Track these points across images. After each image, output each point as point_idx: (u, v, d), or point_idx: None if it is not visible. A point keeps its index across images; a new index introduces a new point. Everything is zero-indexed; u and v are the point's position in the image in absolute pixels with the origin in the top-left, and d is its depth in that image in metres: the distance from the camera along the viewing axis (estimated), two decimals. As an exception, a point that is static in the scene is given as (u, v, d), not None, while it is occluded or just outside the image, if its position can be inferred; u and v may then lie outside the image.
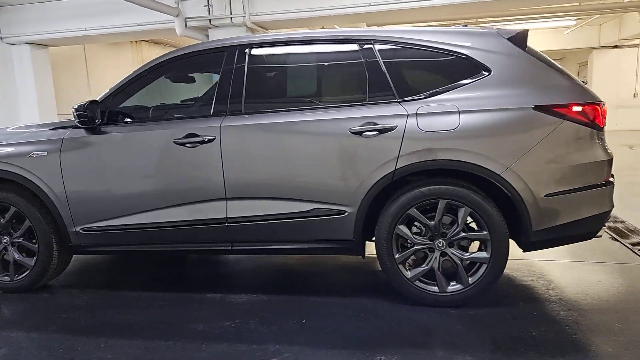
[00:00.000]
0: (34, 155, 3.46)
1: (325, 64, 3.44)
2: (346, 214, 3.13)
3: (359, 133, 3.05)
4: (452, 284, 3.09)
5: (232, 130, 3.22)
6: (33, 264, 3.57)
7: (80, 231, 3.49)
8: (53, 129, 3.56)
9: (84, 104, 3.30)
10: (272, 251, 3.36)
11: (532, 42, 3.18)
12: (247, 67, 3.32)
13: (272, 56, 3.46)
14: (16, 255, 3.61)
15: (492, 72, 3.01)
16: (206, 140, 3.23)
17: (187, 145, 3.26)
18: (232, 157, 3.22)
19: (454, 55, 3.09)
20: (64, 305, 3.40)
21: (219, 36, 8.55)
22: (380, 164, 3.03)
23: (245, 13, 8.15)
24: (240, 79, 3.31)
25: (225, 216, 3.28)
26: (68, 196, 3.45)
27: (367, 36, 3.22)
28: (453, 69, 3.10)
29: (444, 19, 10.95)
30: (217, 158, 3.23)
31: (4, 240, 3.62)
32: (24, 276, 3.61)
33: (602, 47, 15.92)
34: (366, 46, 3.20)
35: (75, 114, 3.30)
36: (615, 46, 15.80)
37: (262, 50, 3.40)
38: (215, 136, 3.23)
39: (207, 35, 8.75)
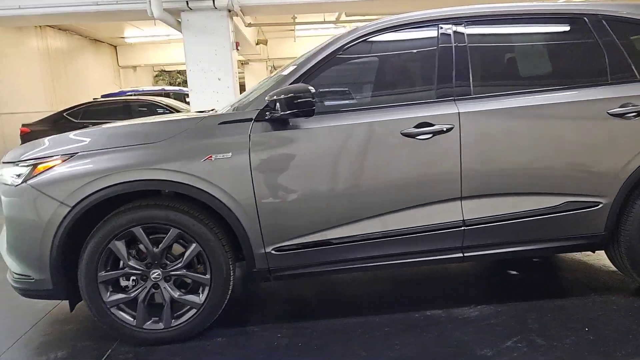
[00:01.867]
0: (213, 158, 2.60)
1: (556, 41, 3.10)
2: (600, 205, 2.85)
3: (620, 115, 2.78)
4: (698, 275, 2.97)
5: (474, 117, 2.75)
6: (202, 302, 2.69)
7: (272, 252, 2.71)
8: (224, 122, 2.71)
9: (306, 88, 2.54)
10: (509, 255, 2.93)
11: None
12: (470, 44, 2.86)
13: (498, 33, 3.04)
14: (176, 294, 2.69)
15: None
16: (444, 130, 2.71)
17: (419, 137, 2.70)
18: (473, 148, 2.75)
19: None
20: (271, 348, 2.61)
21: (194, 21, 7.52)
22: (642, 149, 2.80)
23: (231, -5, 7.28)
24: (464, 57, 2.84)
25: (461, 218, 2.79)
26: (259, 208, 2.65)
27: (595, 10, 2.98)
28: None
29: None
30: (455, 151, 2.73)
31: (154, 276, 2.67)
32: (189, 320, 2.69)
33: None
34: (597, 22, 2.94)
35: (295, 101, 2.51)
36: None
37: (485, 25, 2.97)
38: (454, 125, 2.72)
39: (179, 21, 7.64)
